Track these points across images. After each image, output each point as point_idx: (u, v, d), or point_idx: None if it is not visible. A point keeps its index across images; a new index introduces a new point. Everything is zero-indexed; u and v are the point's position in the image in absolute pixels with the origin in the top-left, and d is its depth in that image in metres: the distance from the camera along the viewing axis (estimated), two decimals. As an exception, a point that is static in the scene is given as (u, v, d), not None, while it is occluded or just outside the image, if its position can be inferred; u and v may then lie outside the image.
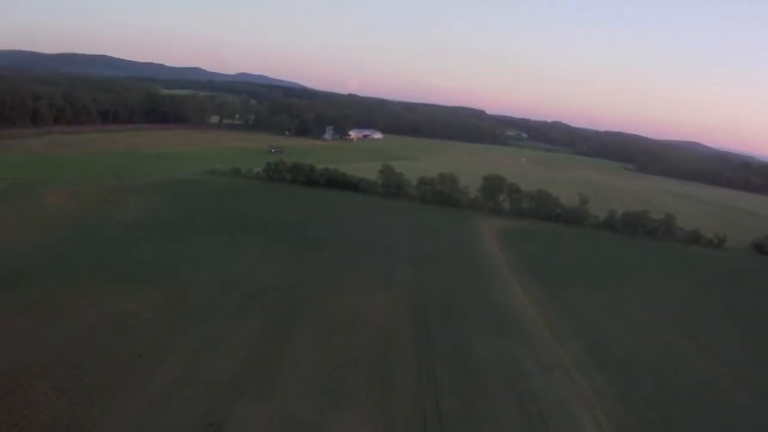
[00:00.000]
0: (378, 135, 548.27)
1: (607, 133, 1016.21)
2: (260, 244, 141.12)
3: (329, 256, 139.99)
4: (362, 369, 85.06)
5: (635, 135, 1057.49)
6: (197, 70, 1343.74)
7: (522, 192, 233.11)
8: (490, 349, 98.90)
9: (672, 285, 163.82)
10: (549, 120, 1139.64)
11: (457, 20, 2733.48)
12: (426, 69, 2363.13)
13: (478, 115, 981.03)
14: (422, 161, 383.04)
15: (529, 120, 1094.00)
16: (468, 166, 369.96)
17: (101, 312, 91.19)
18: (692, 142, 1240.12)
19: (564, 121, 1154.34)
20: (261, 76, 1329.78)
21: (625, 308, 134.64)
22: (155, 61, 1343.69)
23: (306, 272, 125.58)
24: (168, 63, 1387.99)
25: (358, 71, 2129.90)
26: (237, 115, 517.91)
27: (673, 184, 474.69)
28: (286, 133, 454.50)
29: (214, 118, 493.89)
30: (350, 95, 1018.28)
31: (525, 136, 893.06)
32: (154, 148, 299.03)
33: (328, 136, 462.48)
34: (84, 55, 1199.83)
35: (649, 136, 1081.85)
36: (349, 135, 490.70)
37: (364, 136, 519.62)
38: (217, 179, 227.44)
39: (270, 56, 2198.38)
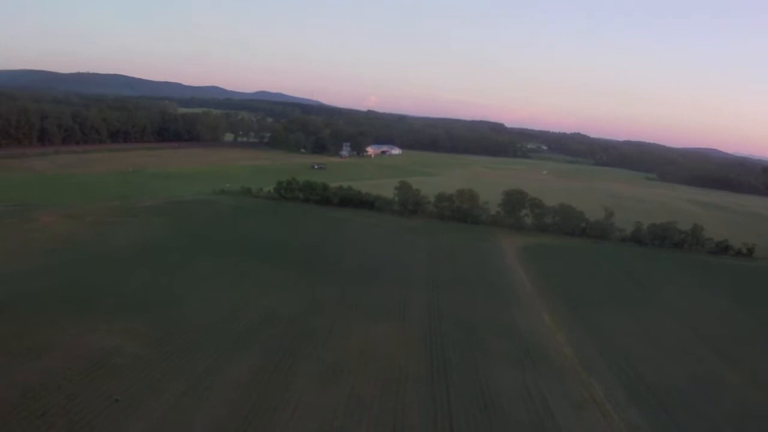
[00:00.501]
0: (396, 151, 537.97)
1: (626, 143, 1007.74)
2: (265, 271, 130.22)
3: (339, 282, 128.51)
4: (369, 414, 74.12)
5: (654, 144, 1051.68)
6: (215, 89, 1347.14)
7: (545, 207, 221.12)
8: (513, 385, 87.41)
9: (704, 301, 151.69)
10: (568, 132, 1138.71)
11: (474, 35, 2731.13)
12: (444, 85, 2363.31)
13: (498, 128, 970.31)
14: (441, 176, 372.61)
15: (548, 132, 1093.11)
16: (488, 180, 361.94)
17: (81, 348, 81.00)
18: (710, 149, 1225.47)
19: (583, 132, 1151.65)
20: (279, 94, 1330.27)
21: (657, 330, 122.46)
22: (172, 80, 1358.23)
23: (313, 301, 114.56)
24: (185, 82, 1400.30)
25: (377, 88, 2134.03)
26: (252, 133, 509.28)
27: (696, 192, 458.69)
28: (302, 150, 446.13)
29: (229, 136, 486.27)
30: (369, 112, 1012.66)
31: (545, 148, 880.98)
32: (163, 168, 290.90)
33: (344, 152, 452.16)
34: (100, 75, 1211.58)
35: (667, 144, 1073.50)
36: (367, 151, 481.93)
37: (383, 152, 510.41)
38: (226, 199, 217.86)
39: (288, 75, 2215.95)
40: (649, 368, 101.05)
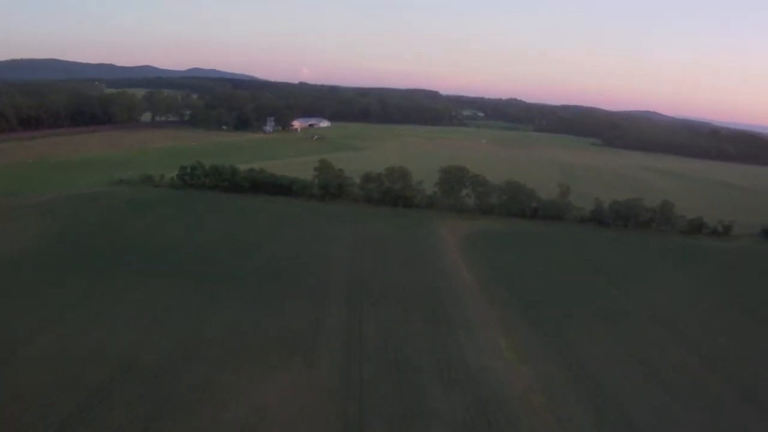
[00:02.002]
0: (325, 123, 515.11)
1: (564, 108, 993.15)
2: (143, 290, 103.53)
3: (234, 301, 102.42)
4: None
5: (592, 107, 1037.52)
6: (148, 68, 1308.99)
7: (489, 184, 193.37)
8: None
9: (696, 303, 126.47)
10: (504, 98, 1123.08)
11: (409, 2, 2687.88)
12: (379, 53, 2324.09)
13: (432, 96, 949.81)
14: (372, 150, 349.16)
15: (484, 98, 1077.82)
16: (423, 152, 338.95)
17: None
18: (649, 111, 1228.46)
19: (519, 97, 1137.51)
20: (212, 71, 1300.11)
21: (652, 356, 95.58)
22: (106, 62, 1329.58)
23: (193, 336, 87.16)
24: (119, 63, 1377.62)
25: (310, 59, 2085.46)
26: (172, 113, 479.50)
27: (647, 158, 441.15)
28: (224, 127, 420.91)
29: (147, 116, 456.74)
30: (301, 84, 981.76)
31: (482, 115, 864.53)
32: (71, 156, 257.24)
33: (268, 128, 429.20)
34: (36, 60, 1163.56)
35: (605, 108, 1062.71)
36: (293, 125, 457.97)
37: (310, 125, 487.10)
38: (123, 191, 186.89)
39: (221, 50, 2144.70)
40: (659, 424, 74.76)
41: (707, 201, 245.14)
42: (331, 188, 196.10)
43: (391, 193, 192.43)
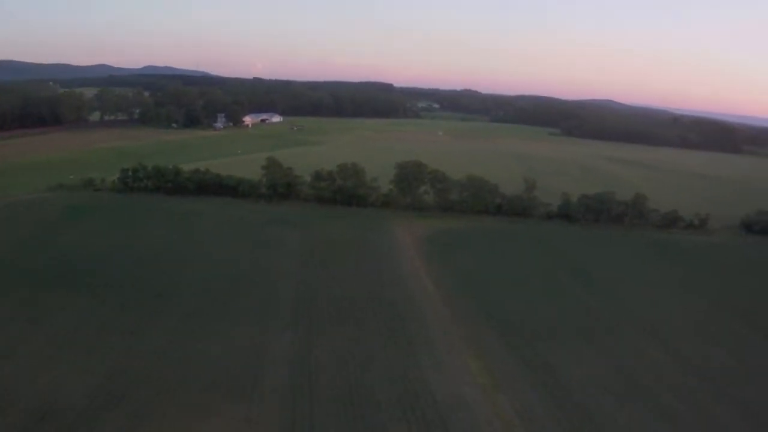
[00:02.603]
0: (277, 118, 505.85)
1: (520, 98, 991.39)
2: (66, 314, 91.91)
3: (165, 324, 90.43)
4: None
5: (548, 97, 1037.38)
6: (103, 67, 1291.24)
7: (448, 180, 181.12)
8: None
9: (682, 307, 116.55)
10: (459, 89, 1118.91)
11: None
12: (333, 47, 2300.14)
13: (387, 88, 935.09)
14: (325, 144, 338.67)
15: (438, 90, 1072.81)
16: (378, 146, 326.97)
17: None
18: (606, 100, 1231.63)
19: (473, 88, 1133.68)
20: (166, 68, 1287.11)
21: (643, 376, 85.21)
22: (62, 62, 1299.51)
23: (115, 371, 75.45)
24: (74, 63, 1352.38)
25: (264, 55, 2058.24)
26: (121, 111, 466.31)
27: (609, 148, 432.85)
28: (173, 125, 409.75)
29: (95, 116, 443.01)
30: (255, 79, 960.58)
31: (437, 106, 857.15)
32: (16, 160, 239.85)
33: (219, 124, 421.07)
34: None
35: (561, 97, 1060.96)
36: (244, 121, 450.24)
37: (262, 120, 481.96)
38: (61, 198, 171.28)
39: (176, 47, 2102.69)
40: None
41: (678, 192, 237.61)
42: (279, 188, 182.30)
43: (344, 192, 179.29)
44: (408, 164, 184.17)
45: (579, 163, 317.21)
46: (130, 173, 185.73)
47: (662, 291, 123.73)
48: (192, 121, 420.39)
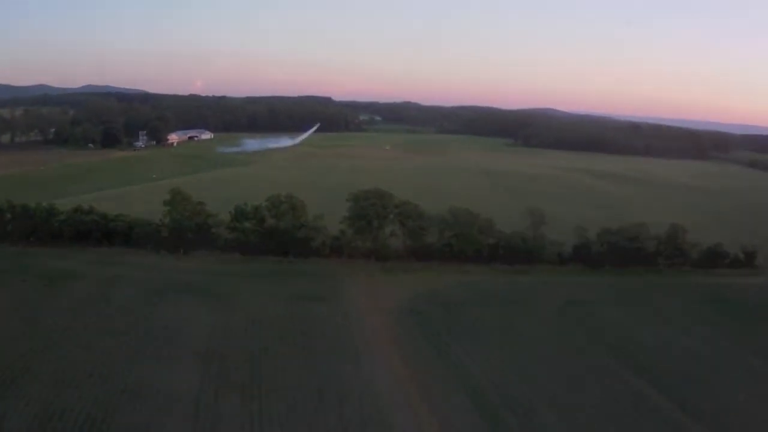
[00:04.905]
0: (207, 135, 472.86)
1: (461, 108, 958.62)
2: None
3: None
4: None
5: (488, 107, 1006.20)
6: (43, 87, 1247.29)
7: (425, 217, 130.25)
8: None
9: None
10: (399, 100, 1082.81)
11: (296, 8, 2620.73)
12: (269, 62, 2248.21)
13: (326, 102, 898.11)
14: (258, 164, 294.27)
15: (378, 102, 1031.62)
16: (321, 165, 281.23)
17: None
18: (547, 108, 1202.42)
19: (414, 100, 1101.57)
20: (106, 86, 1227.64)
21: None
22: (2, 83, 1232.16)
23: None
24: (14, 83, 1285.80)
25: (203, 72, 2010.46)
26: (36, 131, 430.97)
27: (577, 158, 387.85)
28: (90, 145, 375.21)
29: (5, 138, 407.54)
30: (191, 95, 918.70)
31: (379, 119, 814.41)
32: None
33: (140, 143, 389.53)
34: None
35: (501, 107, 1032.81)
36: (169, 139, 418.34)
37: (190, 137, 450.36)
38: None
39: (115, 66, 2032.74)
40: None
41: (685, 212, 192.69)
42: (187, 232, 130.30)
43: (277, 235, 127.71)
44: (367, 195, 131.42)
45: (559, 179, 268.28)
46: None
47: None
48: (111, 140, 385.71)
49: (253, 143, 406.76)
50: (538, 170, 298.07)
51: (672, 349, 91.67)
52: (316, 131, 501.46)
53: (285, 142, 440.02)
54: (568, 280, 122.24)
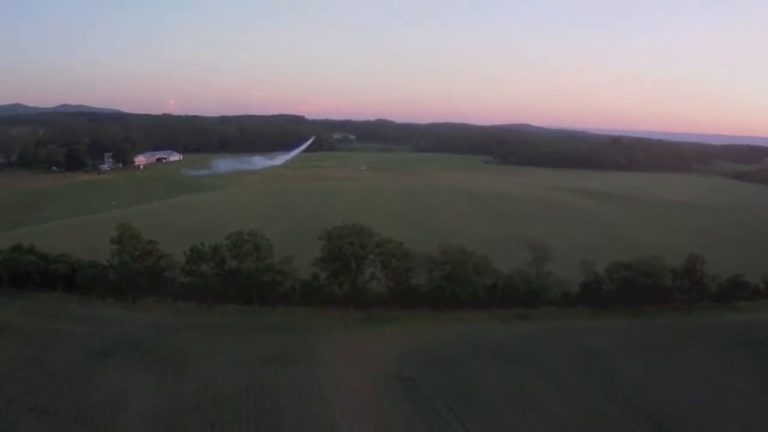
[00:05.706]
0: (176, 156, 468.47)
1: (434, 125, 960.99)
2: None
3: None
4: None
5: (463, 123, 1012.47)
6: (18, 106, 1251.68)
7: (410, 256, 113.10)
8: None
9: None
10: (372, 118, 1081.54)
11: (267, 28, 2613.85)
12: (240, 81, 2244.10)
13: (298, 121, 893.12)
14: (226, 189, 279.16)
15: (351, 121, 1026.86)
16: (292, 190, 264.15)
17: None
18: (523, 124, 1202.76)
19: (387, 117, 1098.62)
20: (80, 106, 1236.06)
21: None
22: None
23: None
24: None
25: (176, 91, 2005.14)
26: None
27: (559, 176, 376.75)
28: (54, 168, 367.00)
29: None
30: (164, 115, 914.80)
31: (353, 137, 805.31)
32: None
33: (105, 166, 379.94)
34: None
35: (477, 123, 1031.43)
36: (135, 161, 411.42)
37: (158, 159, 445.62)
38: None
39: (90, 85, 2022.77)
40: None
41: (687, 234, 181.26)
42: (136, 276, 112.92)
43: (239, 280, 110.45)
44: (342, 232, 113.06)
45: (546, 199, 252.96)
46: None
47: None
48: (75, 162, 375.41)
49: (224, 164, 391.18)
50: (523, 189, 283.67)
51: (715, 415, 75.81)
52: (289, 151, 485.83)
53: (260, 162, 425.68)
54: (577, 325, 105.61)
